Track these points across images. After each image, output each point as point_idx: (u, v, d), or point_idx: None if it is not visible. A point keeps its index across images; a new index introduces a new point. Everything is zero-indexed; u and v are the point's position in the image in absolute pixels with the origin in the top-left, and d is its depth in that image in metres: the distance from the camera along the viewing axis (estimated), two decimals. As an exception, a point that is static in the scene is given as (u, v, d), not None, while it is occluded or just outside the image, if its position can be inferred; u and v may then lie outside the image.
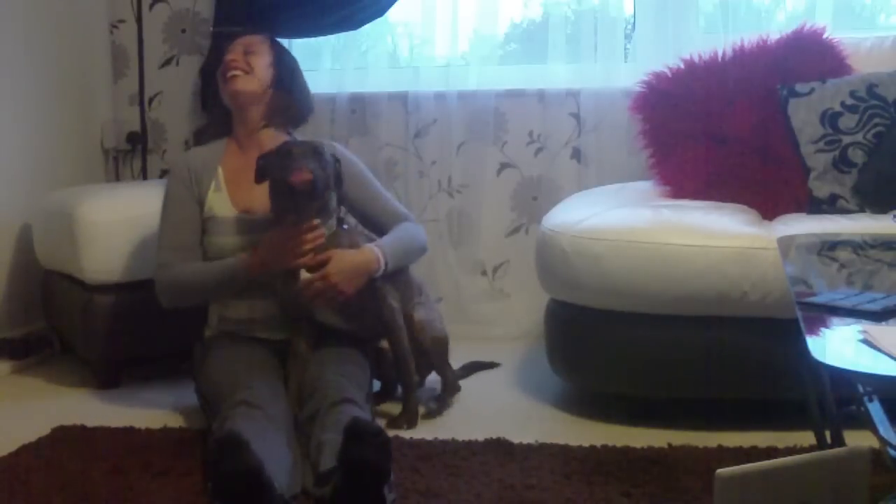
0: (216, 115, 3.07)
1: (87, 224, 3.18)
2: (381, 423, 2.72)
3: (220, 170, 2.88)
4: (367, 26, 3.81)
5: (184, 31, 4.02)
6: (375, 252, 2.75)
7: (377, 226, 2.93)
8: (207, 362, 2.73)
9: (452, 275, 3.85)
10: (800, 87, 3.18)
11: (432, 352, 2.94)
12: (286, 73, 2.98)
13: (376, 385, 2.95)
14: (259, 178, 2.71)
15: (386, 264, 2.76)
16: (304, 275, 2.68)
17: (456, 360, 3.09)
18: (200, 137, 3.17)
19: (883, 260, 2.40)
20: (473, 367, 3.28)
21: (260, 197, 2.77)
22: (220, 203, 2.84)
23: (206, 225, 2.85)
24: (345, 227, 2.79)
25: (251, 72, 2.91)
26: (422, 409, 2.87)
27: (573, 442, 2.61)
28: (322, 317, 2.79)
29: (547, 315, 3.00)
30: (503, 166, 3.86)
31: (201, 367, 2.75)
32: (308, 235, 2.67)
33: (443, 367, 2.99)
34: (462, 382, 3.09)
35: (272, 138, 2.90)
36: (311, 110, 3.07)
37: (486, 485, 2.36)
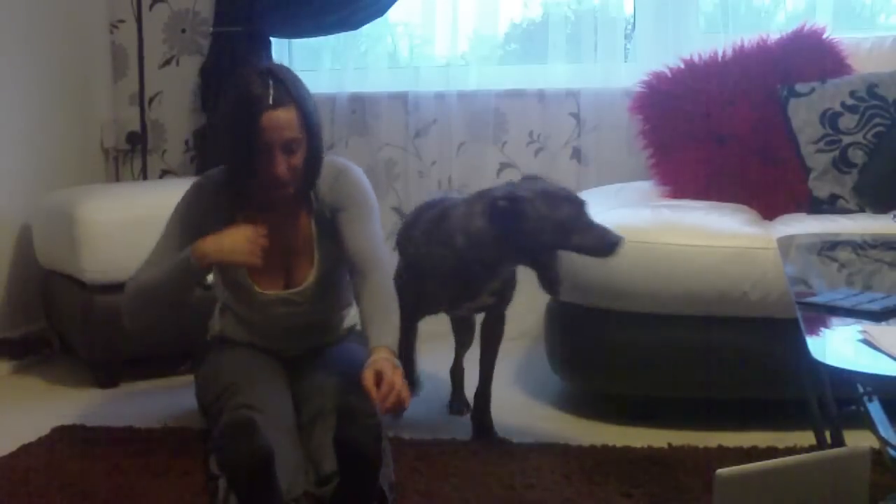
0: (233, 168, 2.51)
1: (87, 224, 3.18)
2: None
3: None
4: (367, 26, 3.80)
5: (184, 31, 4.01)
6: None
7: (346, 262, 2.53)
8: (208, 366, 2.67)
9: (452, 275, 3.84)
10: (800, 87, 3.18)
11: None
12: (316, 140, 2.48)
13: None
14: (512, 223, 2.54)
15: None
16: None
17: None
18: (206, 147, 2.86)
19: (883, 260, 2.40)
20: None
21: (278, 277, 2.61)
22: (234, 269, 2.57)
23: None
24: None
25: (296, 175, 2.48)
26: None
27: (573, 442, 2.61)
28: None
29: (547, 315, 3.00)
30: (503, 166, 3.86)
31: (202, 371, 2.71)
32: (260, 240, 2.45)
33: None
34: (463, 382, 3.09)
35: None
36: None
37: (486, 485, 2.36)
